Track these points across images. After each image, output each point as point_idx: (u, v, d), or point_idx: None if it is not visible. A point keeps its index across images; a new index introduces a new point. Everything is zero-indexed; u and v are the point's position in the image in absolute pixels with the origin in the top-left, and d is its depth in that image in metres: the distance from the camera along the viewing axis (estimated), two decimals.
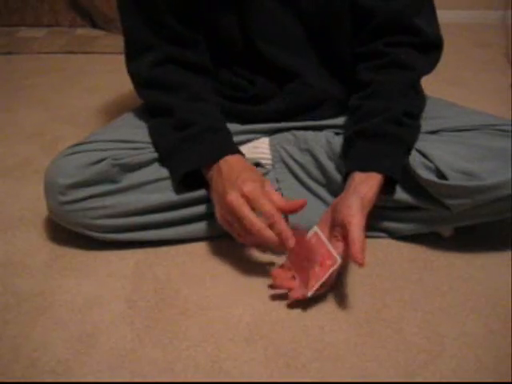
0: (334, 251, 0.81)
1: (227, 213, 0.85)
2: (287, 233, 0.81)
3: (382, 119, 0.89)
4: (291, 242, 0.81)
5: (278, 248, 0.84)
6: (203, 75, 1.00)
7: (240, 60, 1.00)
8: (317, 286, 0.81)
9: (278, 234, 0.81)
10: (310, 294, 0.81)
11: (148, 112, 1.01)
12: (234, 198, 0.83)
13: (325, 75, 1.01)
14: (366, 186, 0.85)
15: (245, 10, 0.94)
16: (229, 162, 0.89)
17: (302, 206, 0.86)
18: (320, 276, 0.81)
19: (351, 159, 0.91)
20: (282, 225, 0.81)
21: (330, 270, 0.80)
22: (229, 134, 0.95)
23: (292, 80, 0.99)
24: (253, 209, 0.82)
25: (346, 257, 0.82)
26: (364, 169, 0.87)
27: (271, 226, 0.81)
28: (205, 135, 0.91)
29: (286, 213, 0.87)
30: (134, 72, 1.00)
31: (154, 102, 0.98)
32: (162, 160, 0.96)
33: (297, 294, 0.83)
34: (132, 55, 0.99)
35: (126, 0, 0.96)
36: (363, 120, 0.91)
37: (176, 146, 0.93)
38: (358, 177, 0.86)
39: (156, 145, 0.97)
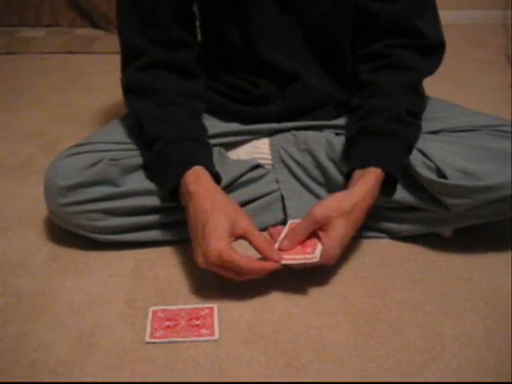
0: (319, 248, 0.82)
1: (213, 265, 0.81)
2: (272, 266, 0.82)
3: (384, 117, 0.89)
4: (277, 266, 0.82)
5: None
6: (195, 78, 0.99)
7: (242, 63, 1.00)
8: (288, 262, 0.82)
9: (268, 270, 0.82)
10: (282, 262, 0.82)
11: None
12: (203, 264, 0.80)
13: (325, 77, 1.01)
14: (360, 182, 0.85)
15: (245, 15, 0.94)
16: (193, 196, 0.82)
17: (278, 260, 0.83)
18: (294, 256, 0.83)
19: (352, 158, 0.91)
20: (266, 266, 0.82)
21: (304, 259, 0.82)
22: (193, 144, 0.89)
23: (293, 82, 0.99)
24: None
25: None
26: (363, 165, 0.87)
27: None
28: (169, 150, 0.88)
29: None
30: (122, 77, 0.99)
31: (130, 108, 0.98)
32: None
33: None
34: (124, 63, 0.99)
35: (125, 4, 0.96)
36: (364, 119, 0.91)
37: (150, 167, 0.93)
38: (355, 174, 0.87)
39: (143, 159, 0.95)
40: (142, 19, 0.94)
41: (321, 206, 0.83)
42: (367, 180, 0.85)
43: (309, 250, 0.83)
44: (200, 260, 0.80)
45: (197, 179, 0.84)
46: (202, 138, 0.93)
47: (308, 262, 0.82)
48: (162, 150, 0.89)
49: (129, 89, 0.98)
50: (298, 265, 0.83)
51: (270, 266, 0.82)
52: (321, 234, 0.83)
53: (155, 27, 0.95)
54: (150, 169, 0.93)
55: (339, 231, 0.82)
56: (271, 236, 0.89)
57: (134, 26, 0.95)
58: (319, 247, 0.82)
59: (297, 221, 0.87)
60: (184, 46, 0.97)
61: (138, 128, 0.96)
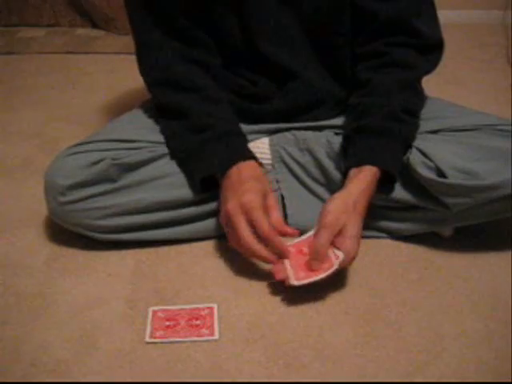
0: (333, 256, 0.82)
1: (224, 219, 0.86)
2: (283, 250, 0.84)
3: (380, 115, 0.89)
4: (287, 255, 0.84)
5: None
6: (214, 74, 1.00)
7: (241, 60, 1.00)
8: (306, 282, 0.81)
9: (274, 252, 0.83)
10: (296, 283, 0.81)
11: (159, 112, 1.01)
12: (231, 206, 0.84)
13: (324, 75, 1.01)
14: (355, 180, 0.86)
15: (245, 10, 0.94)
16: (239, 170, 0.88)
17: (294, 235, 0.87)
18: (312, 275, 0.81)
19: (349, 156, 0.91)
20: (277, 243, 0.83)
21: (324, 274, 0.81)
22: (243, 139, 0.95)
23: (292, 80, 0.99)
24: (250, 221, 0.83)
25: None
26: (359, 163, 0.87)
27: (266, 243, 0.83)
28: (220, 140, 0.91)
29: (279, 234, 0.86)
30: (148, 71, 0.99)
31: (169, 102, 0.98)
32: (179, 163, 0.95)
33: (281, 275, 0.83)
34: (145, 55, 0.99)
35: (135, 0, 0.96)
36: (361, 117, 0.92)
37: (193, 151, 0.93)
38: (351, 172, 0.87)
39: (171, 147, 0.96)
40: (152, 13, 0.95)
41: (330, 214, 0.82)
42: (363, 177, 0.86)
43: (325, 265, 0.81)
44: (229, 206, 0.84)
45: (247, 167, 0.89)
46: (243, 133, 0.96)
47: (329, 273, 0.81)
48: (214, 138, 0.91)
49: (164, 83, 0.97)
50: (320, 279, 0.82)
51: (269, 258, 0.84)
52: (336, 239, 0.82)
53: (165, 18, 0.95)
54: (189, 153, 0.93)
55: (353, 228, 0.83)
56: (275, 273, 0.84)
57: (145, 16, 0.96)
58: (331, 254, 0.82)
59: (309, 234, 0.86)
60: (199, 41, 0.97)
61: (169, 115, 0.97)
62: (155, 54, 0.97)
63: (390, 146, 0.89)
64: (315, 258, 0.81)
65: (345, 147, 0.94)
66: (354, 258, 0.83)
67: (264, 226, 0.82)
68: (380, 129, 0.89)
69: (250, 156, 0.92)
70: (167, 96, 0.98)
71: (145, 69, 1.00)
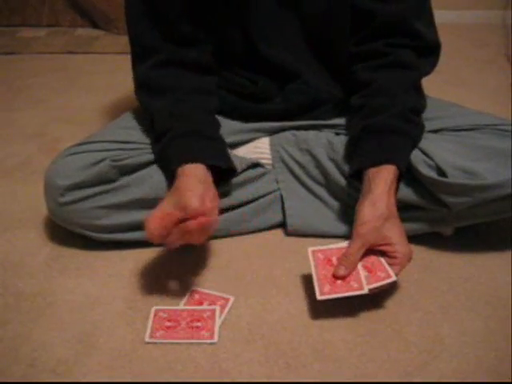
0: (390, 268, 0.81)
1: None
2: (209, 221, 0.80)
3: (390, 115, 0.89)
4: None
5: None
6: (209, 74, 1.00)
7: (242, 61, 1.00)
8: (329, 297, 0.78)
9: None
10: (318, 298, 0.78)
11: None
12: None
13: (324, 76, 1.01)
14: (378, 181, 0.84)
15: (246, 13, 0.94)
16: (181, 177, 0.85)
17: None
18: (337, 291, 0.79)
19: (363, 155, 0.90)
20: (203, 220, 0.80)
21: (349, 293, 0.78)
22: (196, 138, 0.91)
23: (293, 80, 0.99)
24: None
25: None
26: (375, 162, 0.86)
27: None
28: (173, 143, 0.90)
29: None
30: (135, 75, 1.00)
31: (143, 104, 0.99)
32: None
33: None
34: (137, 60, 0.99)
35: (134, 1, 0.96)
36: (370, 117, 0.91)
37: (156, 155, 0.94)
38: (371, 174, 0.86)
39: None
40: (151, 16, 0.95)
41: (363, 225, 0.81)
42: (385, 176, 0.85)
43: (381, 274, 0.80)
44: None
45: (184, 174, 0.85)
46: (208, 131, 0.93)
47: (388, 283, 0.80)
48: (168, 144, 0.91)
49: (142, 86, 0.98)
50: (378, 288, 0.80)
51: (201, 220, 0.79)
52: (383, 248, 0.82)
53: (164, 24, 0.95)
54: (158, 161, 0.95)
55: (396, 233, 0.82)
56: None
57: (143, 23, 0.95)
58: (388, 267, 0.81)
59: (341, 245, 0.84)
60: (195, 42, 0.97)
61: (149, 124, 0.97)
62: (146, 58, 0.97)
63: (401, 144, 0.88)
64: (341, 263, 0.80)
65: (352, 147, 0.94)
66: (411, 259, 0.82)
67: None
68: (391, 128, 0.89)
69: (196, 158, 0.87)
70: (142, 98, 0.99)
71: (134, 73, 1.00)
